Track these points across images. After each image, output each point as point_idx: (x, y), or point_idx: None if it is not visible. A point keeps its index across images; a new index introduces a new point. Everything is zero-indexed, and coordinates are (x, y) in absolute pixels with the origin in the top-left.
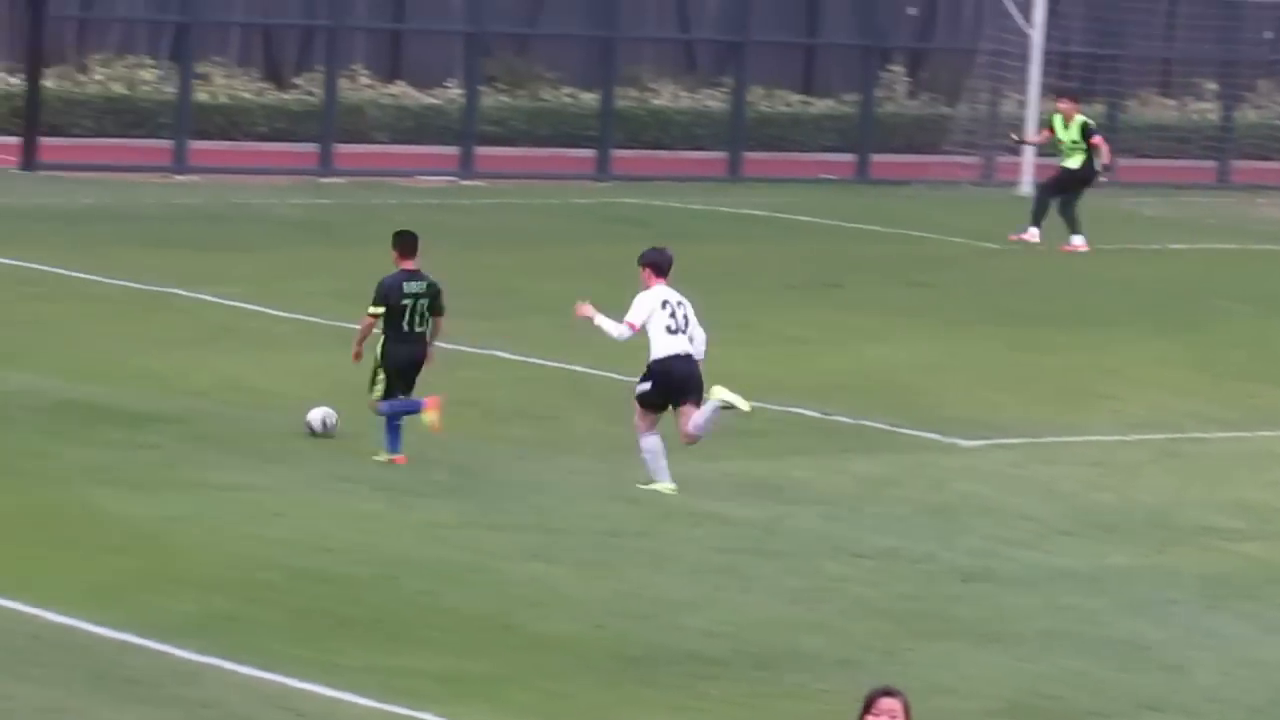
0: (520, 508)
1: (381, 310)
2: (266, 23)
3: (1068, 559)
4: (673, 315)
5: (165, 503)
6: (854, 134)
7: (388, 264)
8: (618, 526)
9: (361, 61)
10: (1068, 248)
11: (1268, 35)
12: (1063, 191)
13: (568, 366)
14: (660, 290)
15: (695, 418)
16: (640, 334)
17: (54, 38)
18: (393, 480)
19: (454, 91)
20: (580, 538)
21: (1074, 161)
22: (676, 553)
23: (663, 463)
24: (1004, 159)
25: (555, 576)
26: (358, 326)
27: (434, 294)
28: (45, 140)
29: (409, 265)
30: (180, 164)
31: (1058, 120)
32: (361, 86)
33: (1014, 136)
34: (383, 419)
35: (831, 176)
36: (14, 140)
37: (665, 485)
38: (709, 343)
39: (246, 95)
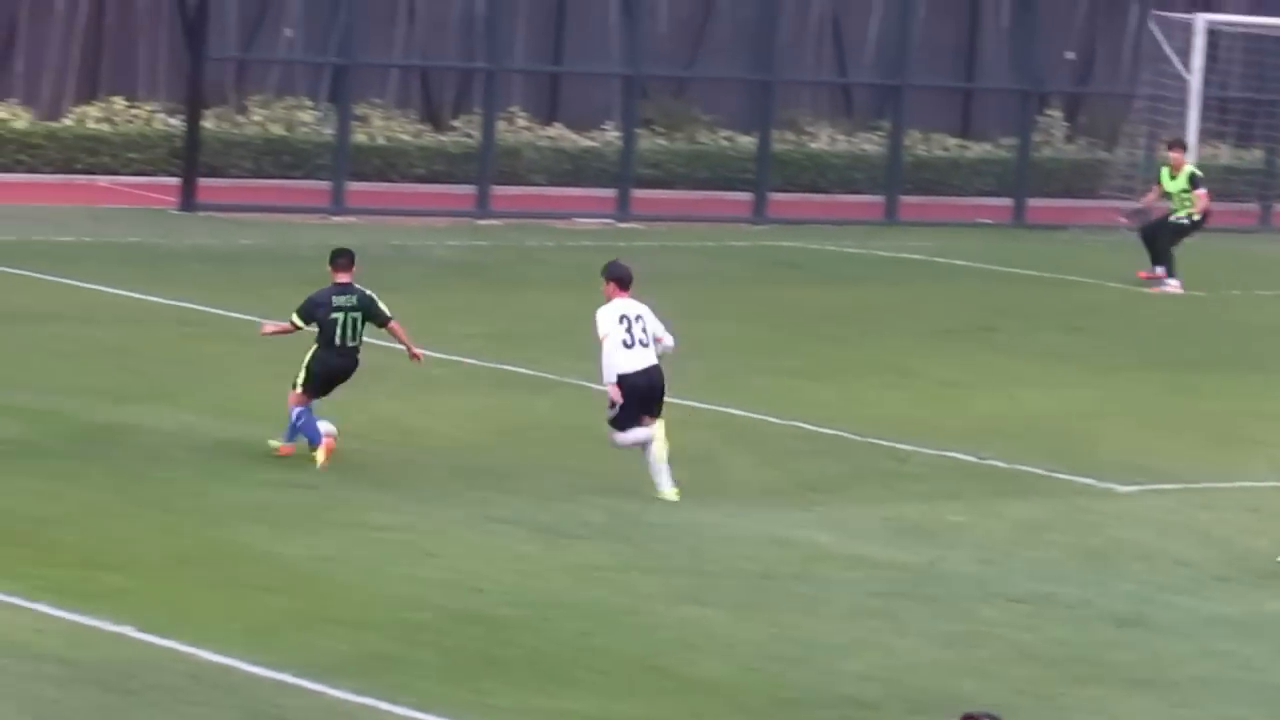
0: (674, 550)
1: (303, 323)
2: (425, 65)
3: (1223, 605)
4: (629, 330)
5: (321, 543)
6: (1011, 178)
7: (545, 305)
8: (771, 569)
9: (519, 104)
10: (1149, 277)
11: None
12: (1176, 235)
13: (722, 409)
14: (619, 304)
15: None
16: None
17: (213, 79)
18: (547, 522)
19: (611, 134)
20: (733, 580)
21: (1183, 212)
22: (830, 596)
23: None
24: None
25: (708, 619)
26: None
27: (365, 305)
28: (204, 181)
29: (342, 279)
30: (338, 205)
31: (1164, 173)
32: (519, 129)
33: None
34: (292, 413)
35: (988, 221)
36: (173, 181)
37: (668, 491)
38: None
39: (404, 137)
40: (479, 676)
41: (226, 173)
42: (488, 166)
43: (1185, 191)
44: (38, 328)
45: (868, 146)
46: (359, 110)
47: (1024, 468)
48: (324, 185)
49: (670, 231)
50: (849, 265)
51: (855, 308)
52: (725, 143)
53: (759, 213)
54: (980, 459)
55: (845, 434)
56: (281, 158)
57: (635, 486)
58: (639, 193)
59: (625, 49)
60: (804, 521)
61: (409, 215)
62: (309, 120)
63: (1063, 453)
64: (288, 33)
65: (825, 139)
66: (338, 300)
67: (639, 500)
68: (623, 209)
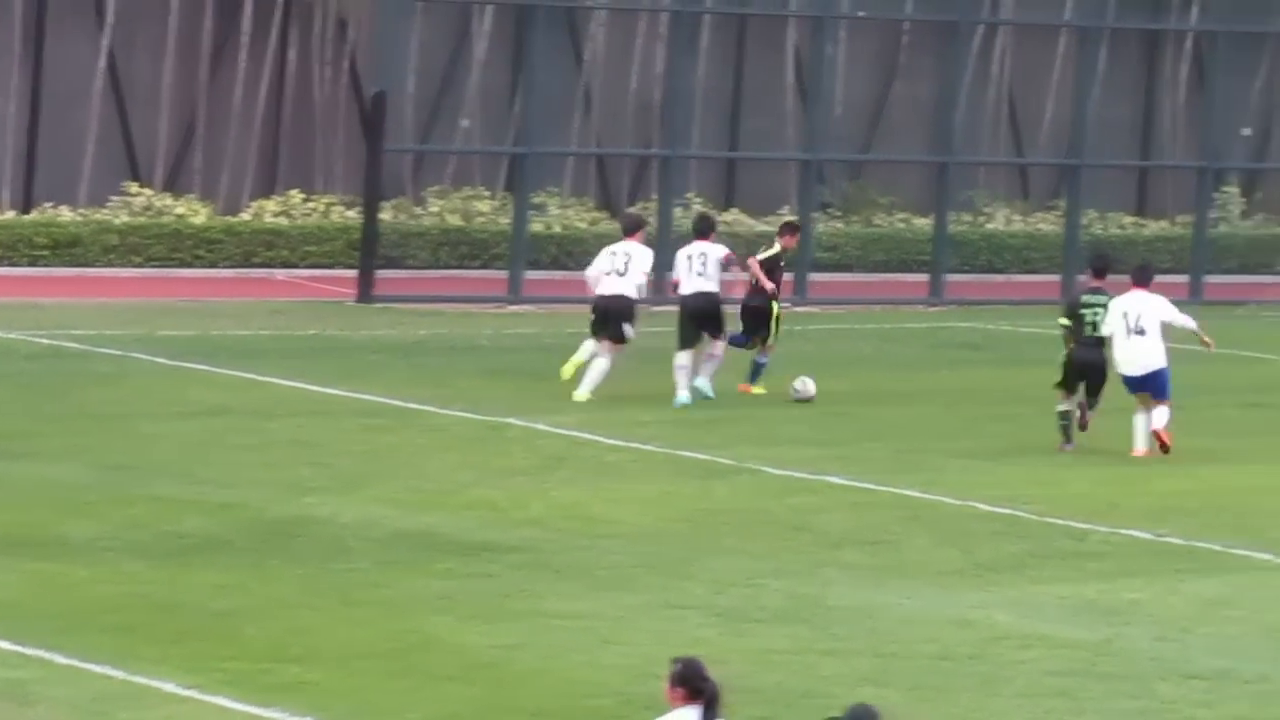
0: (852, 632)
1: None
2: (601, 152)
3: None
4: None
5: (501, 631)
6: (1187, 255)
7: (718, 395)
8: (948, 650)
9: (696, 189)
10: None
11: None
12: None
13: (901, 491)
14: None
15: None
16: None
17: (390, 171)
18: (726, 606)
19: (788, 218)
20: (912, 662)
21: None
22: (1007, 676)
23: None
24: None
25: (888, 701)
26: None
27: None
28: (381, 273)
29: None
30: (515, 294)
31: None
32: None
33: None
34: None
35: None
36: (351, 273)
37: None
38: None
39: (581, 225)
40: None
41: (404, 264)
42: (663, 254)
43: None
44: (218, 421)
45: (1044, 226)
46: (536, 199)
47: (1202, 544)
48: (501, 275)
49: (847, 314)
50: (1026, 345)
51: (1033, 387)
52: (901, 225)
53: (935, 294)
54: (1158, 536)
55: (1023, 514)
56: (458, 248)
57: (811, 571)
58: (815, 276)
59: (802, 133)
60: (982, 602)
61: (586, 303)
62: (486, 210)
63: (1241, 528)
64: (464, 124)
65: (1001, 219)
66: None
67: (817, 583)
68: (800, 292)
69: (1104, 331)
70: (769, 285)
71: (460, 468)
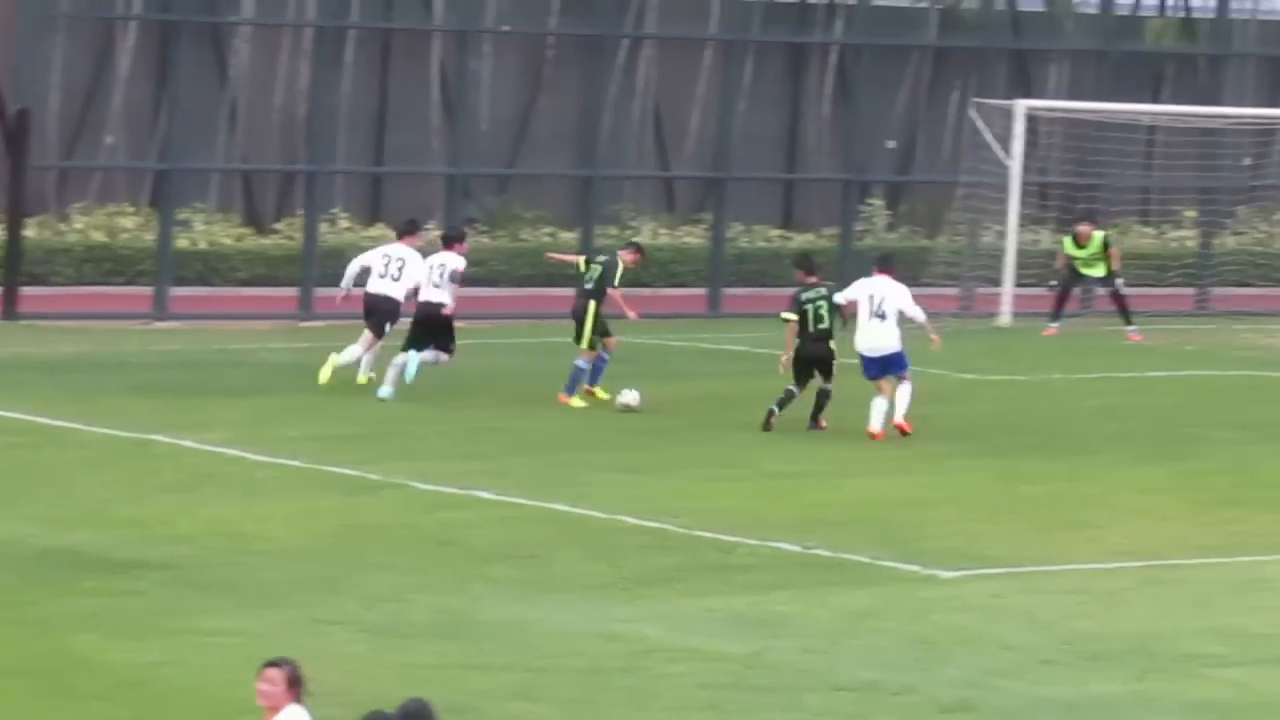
0: (501, 647)
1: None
2: (246, 168)
3: (1049, 688)
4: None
5: (148, 649)
6: (833, 268)
7: (368, 406)
8: (598, 664)
9: (341, 205)
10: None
11: (1246, 162)
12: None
13: (549, 505)
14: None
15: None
16: None
17: (34, 187)
18: (375, 622)
19: (434, 233)
20: (561, 676)
21: (1099, 270)
22: (657, 689)
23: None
24: (984, 291)
25: (538, 715)
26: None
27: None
28: (25, 290)
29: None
30: (160, 311)
31: (1068, 242)
32: (341, 230)
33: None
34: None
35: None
36: None
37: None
38: None
39: (226, 241)
40: None
41: (48, 281)
42: (310, 269)
43: (1098, 254)
44: None
45: (690, 239)
46: (181, 215)
47: (850, 556)
48: (146, 291)
49: (494, 329)
50: (673, 359)
51: (680, 401)
52: (548, 239)
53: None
54: (806, 549)
55: (671, 527)
56: (103, 264)
57: (461, 584)
58: (462, 291)
59: (447, 148)
60: (631, 615)
61: (232, 319)
62: (131, 226)
63: (888, 540)
64: (109, 139)
65: (648, 233)
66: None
67: (466, 598)
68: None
69: (840, 298)
70: (631, 315)
71: (106, 485)
